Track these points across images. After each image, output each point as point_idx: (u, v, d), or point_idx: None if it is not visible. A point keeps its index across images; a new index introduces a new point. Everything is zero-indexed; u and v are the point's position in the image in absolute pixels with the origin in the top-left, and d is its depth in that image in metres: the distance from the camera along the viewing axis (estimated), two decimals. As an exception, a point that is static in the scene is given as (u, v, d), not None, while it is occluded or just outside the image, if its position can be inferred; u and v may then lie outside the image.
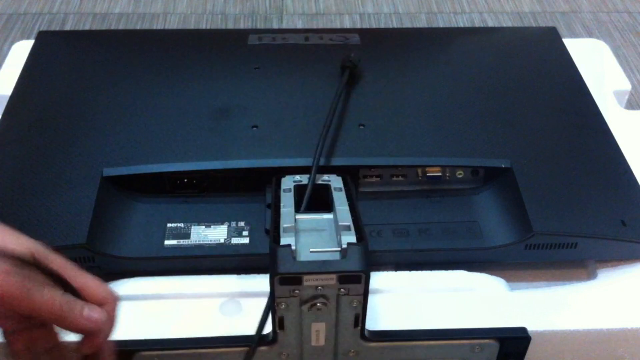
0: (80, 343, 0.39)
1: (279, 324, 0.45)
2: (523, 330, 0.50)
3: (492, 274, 0.55)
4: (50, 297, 0.36)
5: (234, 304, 0.52)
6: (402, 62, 0.73)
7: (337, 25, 1.42)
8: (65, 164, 0.57)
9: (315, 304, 0.43)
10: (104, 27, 1.38)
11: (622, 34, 1.39)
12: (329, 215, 0.48)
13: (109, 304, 0.40)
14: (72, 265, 0.39)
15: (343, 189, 0.51)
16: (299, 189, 0.51)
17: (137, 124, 0.61)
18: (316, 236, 0.46)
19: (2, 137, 0.61)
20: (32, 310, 0.36)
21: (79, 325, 0.38)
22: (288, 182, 0.52)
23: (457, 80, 0.70)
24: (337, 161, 0.57)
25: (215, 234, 0.55)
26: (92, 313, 0.38)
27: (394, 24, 1.42)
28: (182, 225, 0.55)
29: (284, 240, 0.44)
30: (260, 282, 0.53)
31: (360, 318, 0.45)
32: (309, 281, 0.42)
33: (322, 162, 0.56)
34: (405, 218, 0.56)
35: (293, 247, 0.43)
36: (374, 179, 0.59)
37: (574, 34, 1.39)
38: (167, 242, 0.54)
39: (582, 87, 0.69)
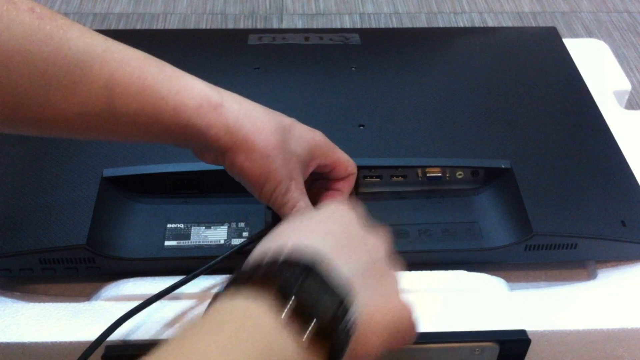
0: None
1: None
2: (523, 332, 0.50)
3: (492, 274, 0.55)
4: (292, 202, 0.44)
5: (234, 305, 0.52)
6: (402, 62, 0.73)
7: (337, 25, 1.42)
8: (65, 164, 0.57)
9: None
10: (104, 27, 1.38)
11: (622, 34, 1.39)
12: None
13: (351, 177, 0.49)
14: (333, 150, 0.48)
15: (343, 189, 0.51)
16: None
17: (137, 124, 0.61)
18: None
19: (2, 137, 0.61)
20: (280, 216, 0.45)
21: None
22: None
23: (457, 81, 0.70)
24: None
25: (215, 234, 0.55)
26: None
27: (394, 24, 1.42)
28: (182, 226, 0.55)
29: None
30: (261, 283, 0.53)
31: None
32: None
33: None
34: (405, 219, 0.56)
35: None
36: (374, 180, 0.59)
37: (574, 34, 1.39)
38: (167, 243, 0.54)
39: (582, 87, 0.69)
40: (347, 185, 0.49)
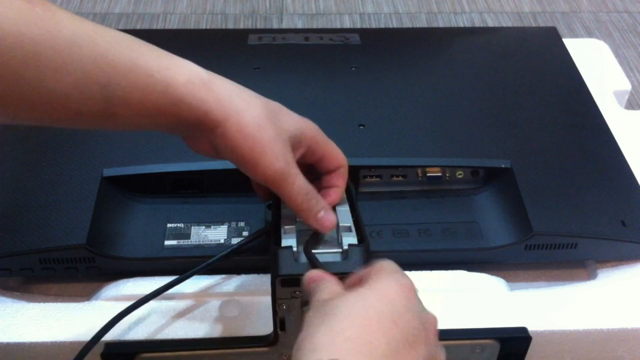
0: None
1: (280, 325, 0.45)
2: (524, 330, 0.50)
3: (492, 274, 0.55)
4: (297, 190, 0.43)
5: (234, 304, 0.52)
6: (402, 62, 0.73)
7: (337, 25, 1.42)
8: (65, 164, 0.57)
9: (316, 305, 0.43)
10: (103, 27, 1.38)
11: (622, 34, 1.39)
12: None
13: (342, 167, 0.48)
14: (323, 137, 0.47)
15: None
16: None
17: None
18: (318, 237, 0.46)
19: (2, 137, 0.61)
20: (280, 195, 0.44)
21: (309, 222, 0.45)
22: None
23: (457, 81, 0.70)
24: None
25: (215, 234, 0.55)
26: (324, 218, 0.45)
27: (394, 24, 1.42)
28: (182, 225, 0.55)
29: (285, 242, 0.44)
30: (260, 282, 0.53)
31: (360, 319, 0.45)
32: None
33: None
34: (405, 218, 0.56)
35: (294, 249, 0.43)
36: (374, 179, 0.59)
37: (574, 34, 1.39)
38: (167, 243, 0.54)
39: (582, 87, 0.69)
40: (342, 180, 0.49)
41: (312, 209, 0.44)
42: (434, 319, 0.37)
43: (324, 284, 0.38)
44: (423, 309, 0.37)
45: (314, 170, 0.49)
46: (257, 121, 0.42)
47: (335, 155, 0.48)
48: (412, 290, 0.37)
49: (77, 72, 0.38)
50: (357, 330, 0.32)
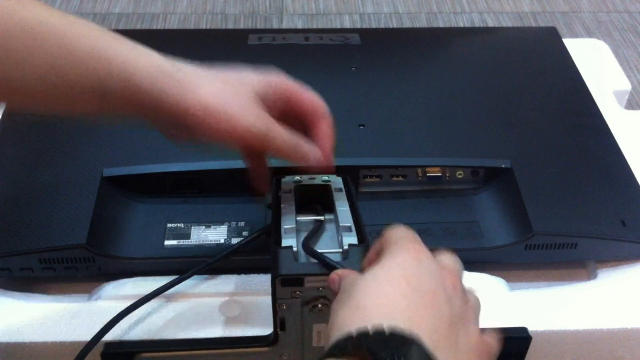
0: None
1: (280, 324, 0.45)
2: (524, 330, 0.50)
3: (492, 274, 0.55)
4: (282, 144, 0.44)
5: (234, 304, 0.52)
6: (402, 62, 0.73)
7: (337, 25, 1.42)
8: (65, 164, 0.57)
9: (316, 305, 0.43)
10: (103, 27, 1.38)
11: (622, 34, 1.39)
12: (330, 216, 0.48)
13: (324, 122, 0.48)
14: (294, 85, 0.47)
15: (343, 189, 0.51)
16: (299, 190, 0.51)
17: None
18: (317, 237, 0.46)
19: (2, 137, 0.61)
20: (271, 153, 0.45)
21: (301, 163, 0.46)
22: (288, 183, 0.52)
23: (457, 80, 0.70)
24: (337, 161, 0.57)
25: (215, 234, 0.55)
26: (314, 157, 0.46)
27: (394, 24, 1.42)
28: (182, 225, 0.55)
29: (285, 242, 0.44)
30: (260, 282, 0.53)
31: (360, 319, 0.45)
32: (310, 282, 0.42)
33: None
34: (405, 218, 0.56)
35: (294, 249, 0.43)
36: (374, 179, 0.59)
37: (574, 34, 1.39)
38: (167, 243, 0.54)
39: (582, 87, 0.69)
40: (327, 126, 0.48)
41: (307, 155, 0.46)
42: (453, 275, 0.37)
43: (346, 279, 0.37)
44: (438, 268, 0.36)
45: (300, 127, 0.48)
46: (221, 95, 0.42)
47: (312, 98, 0.47)
48: (421, 251, 0.36)
49: (41, 61, 0.38)
50: (373, 300, 0.33)
